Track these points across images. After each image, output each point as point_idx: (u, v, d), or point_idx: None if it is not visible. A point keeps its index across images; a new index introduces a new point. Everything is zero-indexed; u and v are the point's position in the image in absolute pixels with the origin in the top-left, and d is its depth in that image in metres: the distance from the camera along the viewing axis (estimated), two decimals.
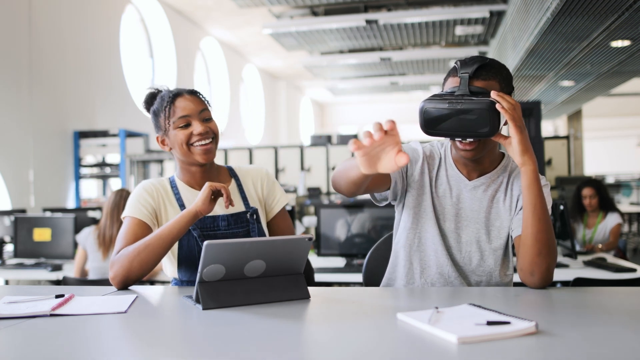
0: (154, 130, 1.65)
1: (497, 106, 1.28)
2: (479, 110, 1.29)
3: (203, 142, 1.54)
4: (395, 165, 1.13)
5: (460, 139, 1.41)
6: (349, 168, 1.33)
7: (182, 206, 1.57)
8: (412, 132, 19.55)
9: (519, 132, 1.31)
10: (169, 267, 1.60)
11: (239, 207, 1.61)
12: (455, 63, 1.41)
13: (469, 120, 1.30)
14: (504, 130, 1.38)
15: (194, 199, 1.56)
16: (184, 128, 1.54)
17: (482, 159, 1.48)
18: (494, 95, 1.31)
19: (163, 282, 3.23)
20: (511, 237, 1.48)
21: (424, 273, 1.52)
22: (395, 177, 1.49)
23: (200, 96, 1.60)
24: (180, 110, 1.54)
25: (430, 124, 1.34)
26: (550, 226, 1.34)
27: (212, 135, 1.56)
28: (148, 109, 1.64)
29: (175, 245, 1.53)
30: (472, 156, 1.43)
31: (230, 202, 1.43)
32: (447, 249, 1.50)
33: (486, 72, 1.39)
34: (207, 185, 1.43)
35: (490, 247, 1.49)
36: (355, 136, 9.04)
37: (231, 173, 1.68)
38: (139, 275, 1.43)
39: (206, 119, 1.57)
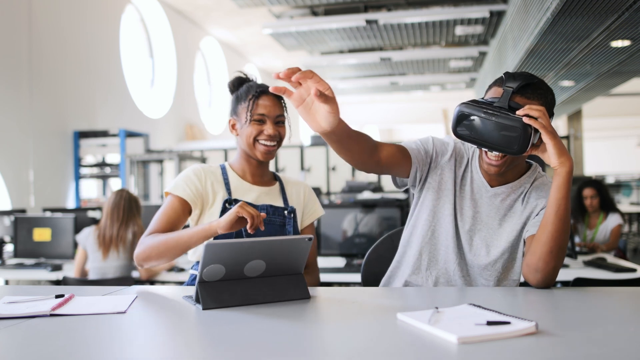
0: (228, 113, 1.77)
1: (525, 119, 1.27)
2: (512, 128, 1.29)
3: (268, 143, 1.66)
4: (326, 112, 1.16)
5: (486, 150, 1.41)
6: None
7: (228, 191, 1.67)
8: (412, 133, 19.60)
9: (552, 137, 1.30)
10: (198, 248, 1.65)
11: (279, 203, 1.73)
12: (504, 74, 1.41)
13: (500, 134, 1.30)
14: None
15: (241, 187, 1.69)
16: (258, 124, 1.66)
17: (505, 172, 1.49)
18: (520, 111, 1.29)
19: (163, 282, 3.23)
20: (524, 238, 1.48)
21: (430, 266, 1.54)
22: (417, 163, 1.50)
23: (283, 102, 1.71)
24: (262, 108, 1.66)
25: (462, 128, 1.35)
26: (568, 230, 1.34)
27: (278, 138, 1.68)
28: (232, 91, 1.75)
29: None
30: (496, 172, 1.45)
31: (254, 228, 1.42)
32: (459, 248, 1.52)
33: (532, 91, 1.38)
34: (236, 209, 1.41)
35: (499, 252, 1.49)
36: None
37: (275, 177, 1.81)
38: (156, 263, 1.55)
39: (279, 122, 1.69)
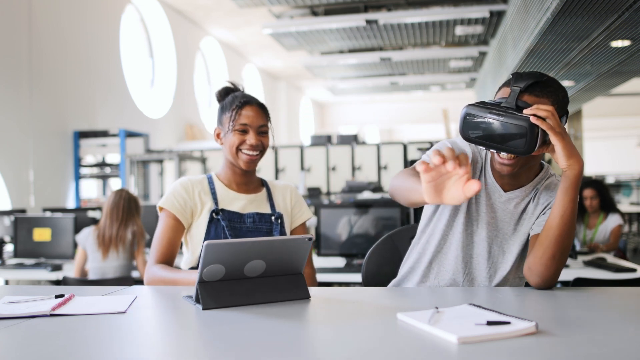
0: (215, 122, 1.79)
1: (532, 119, 1.24)
2: (519, 127, 1.25)
3: (250, 153, 1.70)
4: (463, 196, 1.06)
5: (495, 151, 1.38)
6: (411, 190, 1.28)
7: (215, 201, 1.70)
8: (412, 133, 19.60)
9: (561, 138, 1.26)
10: (188, 257, 1.70)
11: (265, 210, 1.75)
12: (512, 75, 1.37)
13: (507, 134, 1.27)
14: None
15: (227, 196, 1.72)
16: (240, 133, 1.69)
17: (519, 174, 1.46)
18: (527, 111, 1.26)
19: None
20: (528, 234, 1.48)
21: (439, 276, 1.54)
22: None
23: (266, 112, 1.75)
24: (244, 118, 1.69)
25: (469, 129, 1.32)
26: (573, 235, 1.33)
27: (261, 148, 1.72)
28: (219, 101, 1.78)
29: (202, 235, 1.65)
30: (508, 172, 1.41)
31: None
32: (470, 257, 1.50)
33: (540, 89, 1.34)
34: None
35: (513, 257, 1.49)
36: (355, 136, 9.05)
37: (263, 183, 1.84)
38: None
39: (262, 132, 1.72)
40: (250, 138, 1.69)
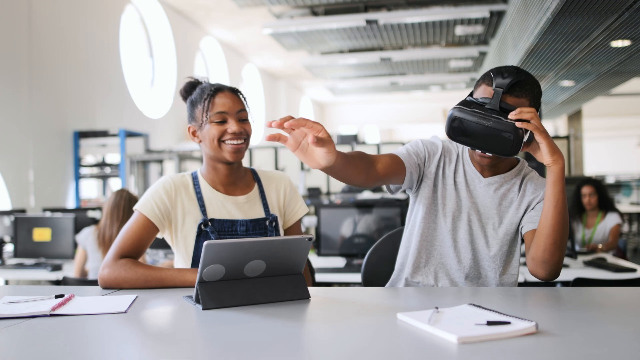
0: (186, 120, 1.65)
1: (518, 124, 1.31)
2: (505, 132, 1.34)
3: (235, 142, 1.53)
4: (319, 148, 1.17)
5: (480, 151, 1.46)
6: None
7: (202, 207, 1.56)
8: (412, 133, 19.60)
9: (545, 137, 1.34)
10: (181, 267, 1.60)
11: (259, 213, 1.61)
12: (491, 71, 1.44)
13: (493, 137, 1.35)
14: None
15: (215, 199, 1.58)
16: (219, 124, 1.53)
17: (497, 163, 1.55)
18: (512, 116, 1.33)
19: None
20: (521, 233, 1.53)
21: (428, 262, 1.58)
22: (411, 168, 1.54)
23: (241, 96, 1.59)
24: (219, 106, 1.53)
25: (456, 131, 1.40)
26: (568, 222, 1.39)
27: (245, 136, 1.56)
28: (185, 98, 1.63)
29: (191, 246, 1.55)
30: (488, 163, 1.51)
31: None
32: (455, 241, 1.55)
33: (520, 88, 1.41)
34: None
35: (497, 242, 1.53)
36: (355, 136, 9.05)
37: (255, 177, 1.68)
38: (125, 289, 1.43)
39: (242, 119, 1.57)
40: (231, 126, 1.52)
